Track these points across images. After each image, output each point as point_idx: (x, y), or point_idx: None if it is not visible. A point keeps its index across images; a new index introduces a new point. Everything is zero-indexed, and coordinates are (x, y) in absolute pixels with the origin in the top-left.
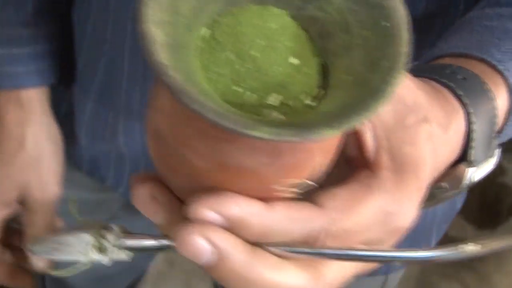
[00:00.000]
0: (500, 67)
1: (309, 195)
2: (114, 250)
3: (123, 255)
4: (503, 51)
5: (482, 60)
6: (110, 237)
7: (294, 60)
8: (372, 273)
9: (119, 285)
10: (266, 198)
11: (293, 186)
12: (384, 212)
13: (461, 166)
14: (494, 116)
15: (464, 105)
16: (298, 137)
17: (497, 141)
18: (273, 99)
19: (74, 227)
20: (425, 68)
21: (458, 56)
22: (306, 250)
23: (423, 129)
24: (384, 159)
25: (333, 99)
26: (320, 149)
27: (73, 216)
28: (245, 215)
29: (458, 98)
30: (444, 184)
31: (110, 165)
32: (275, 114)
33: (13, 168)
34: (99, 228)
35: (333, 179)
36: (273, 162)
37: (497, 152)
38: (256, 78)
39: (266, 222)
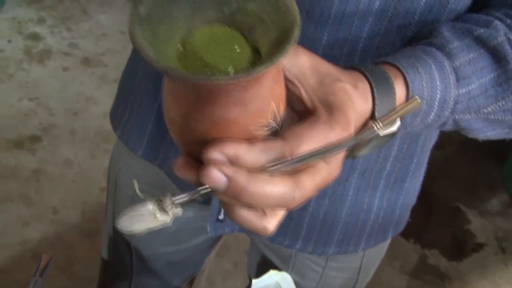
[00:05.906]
0: (403, 70)
1: (275, 136)
2: (172, 208)
3: (178, 211)
4: (408, 63)
5: (394, 65)
6: (166, 199)
7: (237, 48)
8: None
9: (186, 272)
10: (249, 139)
11: (263, 126)
12: (324, 135)
13: (370, 121)
14: (392, 93)
15: (368, 80)
16: (257, 70)
17: (401, 117)
18: (230, 69)
19: (139, 200)
20: (359, 67)
21: (384, 63)
22: (281, 162)
23: (338, 85)
24: (317, 104)
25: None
26: (272, 97)
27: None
28: (237, 152)
29: (365, 76)
30: (359, 136)
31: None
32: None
33: None
34: (156, 197)
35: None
36: (245, 110)
37: (397, 122)
38: (217, 61)
39: (251, 154)
